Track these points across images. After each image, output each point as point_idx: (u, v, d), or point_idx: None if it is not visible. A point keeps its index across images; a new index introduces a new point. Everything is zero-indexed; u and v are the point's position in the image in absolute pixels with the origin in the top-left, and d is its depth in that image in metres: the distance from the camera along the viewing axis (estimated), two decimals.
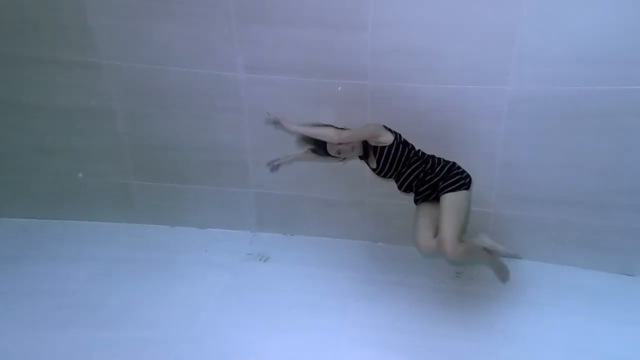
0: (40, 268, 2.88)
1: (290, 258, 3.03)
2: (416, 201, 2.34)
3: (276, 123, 2.26)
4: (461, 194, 2.17)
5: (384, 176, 2.31)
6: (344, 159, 2.39)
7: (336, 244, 3.13)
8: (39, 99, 2.89)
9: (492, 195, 2.69)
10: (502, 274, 2.46)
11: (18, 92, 2.89)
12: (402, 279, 2.78)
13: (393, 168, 2.25)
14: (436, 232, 2.18)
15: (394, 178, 2.32)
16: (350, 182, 2.93)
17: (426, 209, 2.28)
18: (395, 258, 2.97)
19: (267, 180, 3.04)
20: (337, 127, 2.26)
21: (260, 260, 3.02)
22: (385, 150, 2.21)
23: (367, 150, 2.28)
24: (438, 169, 2.23)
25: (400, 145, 2.22)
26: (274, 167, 2.47)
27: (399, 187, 2.34)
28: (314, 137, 2.23)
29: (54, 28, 2.64)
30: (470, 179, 2.22)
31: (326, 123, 2.30)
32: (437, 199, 2.23)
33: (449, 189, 2.16)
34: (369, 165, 2.38)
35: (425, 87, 2.46)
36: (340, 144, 2.20)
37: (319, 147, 2.29)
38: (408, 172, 2.25)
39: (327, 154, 2.30)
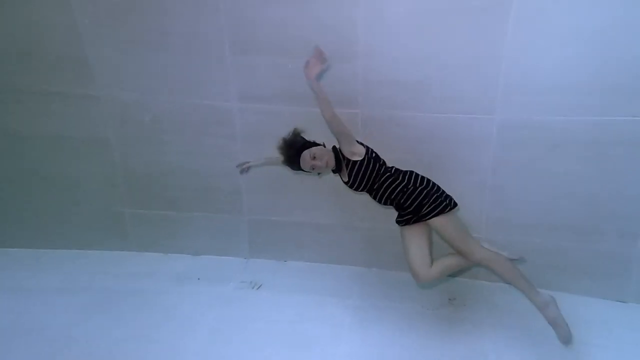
0: (31, 299, 2.84)
1: (284, 285, 3.01)
2: (398, 222, 2.33)
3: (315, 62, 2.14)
4: (447, 216, 2.18)
5: (355, 189, 2.33)
6: (319, 173, 2.38)
7: (330, 270, 3.12)
8: (33, 128, 2.91)
9: (483, 222, 2.72)
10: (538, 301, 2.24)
11: (13, 121, 2.92)
12: (396, 304, 2.77)
13: (364, 182, 2.27)
14: (431, 260, 2.22)
15: (367, 191, 2.34)
16: (343, 207, 2.95)
17: (413, 237, 2.27)
18: (389, 284, 2.96)
19: (260, 207, 3.06)
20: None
21: (253, 287, 3.00)
22: (357, 164, 2.23)
23: (340, 164, 2.31)
24: (420, 189, 2.22)
25: (372, 161, 2.24)
26: (244, 169, 2.49)
27: (376, 200, 2.35)
28: (321, 99, 2.16)
29: (50, 60, 2.69)
30: (451, 198, 2.23)
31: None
32: (419, 222, 2.24)
33: (433, 214, 2.17)
34: (342, 179, 2.39)
35: (415, 116, 2.51)
36: (317, 145, 2.26)
37: (292, 164, 2.28)
38: (380, 187, 2.26)
39: (300, 169, 2.28)
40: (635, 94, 2.20)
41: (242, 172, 2.51)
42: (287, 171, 2.84)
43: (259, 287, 3.00)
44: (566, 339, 2.22)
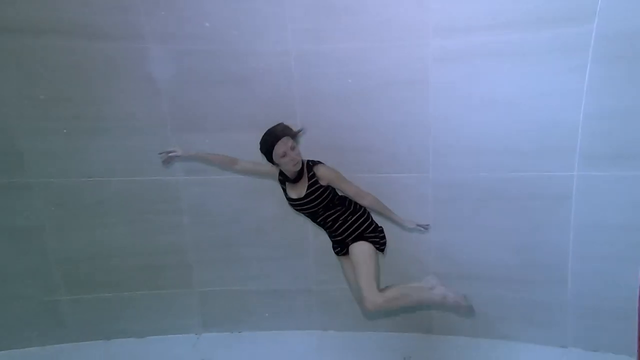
0: None
1: (238, 358, 2.90)
2: (335, 252, 2.39)
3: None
4: (364, 243, 2.24)
5: (298, 208, 2.29)
6: (281, 176, 2.30)
7: (285, 337, 3.06)
8: None
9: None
10: (461, 307, 2.38)
11: None
12: None
13: (313, 205, 2.23)
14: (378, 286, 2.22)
15: (306, 214, 2.32)
16: (297, 272, 2.95)
17: (349, 266, 2.33)
18: (347, 346, 2.96)
19: (211, 278, 2.98)
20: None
21: None
22: (322, 187, 2.22)
23: (302, 175, 2.22)
24: (358, 215, 2.28)
25: (334, 190, 2.28)
26: (167, 158, 2.31)
27: (313, 221, 2.35)
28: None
29: None
30: (384, 240, 2.33)
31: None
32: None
33: (352, 237, 2.25)
34: (285, 193, 2.31)
35: (358, 177, 2.62)
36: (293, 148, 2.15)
37: (266, 143, 2.15)
38: (325, 214, 2.27)
39: (269, 155, 2.17)
40: (543, 153, 2.44)
41: (164, 162, 2.34)
42: (237, 238, 2.86)
43: None
44: (468, 309, 2.39)
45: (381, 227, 2.37)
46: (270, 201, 2.75)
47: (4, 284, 2.86)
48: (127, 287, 2.96)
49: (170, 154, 2.30)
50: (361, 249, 2.24)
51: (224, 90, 2.52)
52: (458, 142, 2.50)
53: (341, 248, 2.35)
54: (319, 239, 2.71)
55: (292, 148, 2.15)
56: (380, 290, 2.21)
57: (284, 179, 2.29)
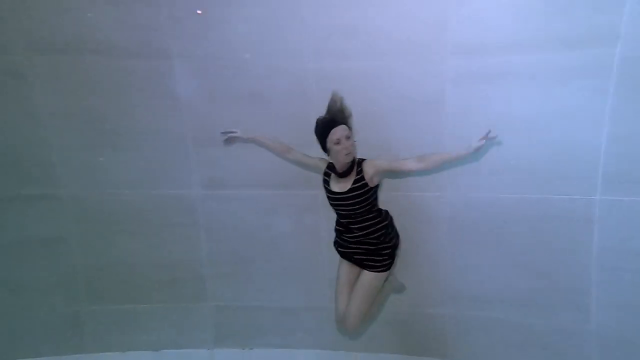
0: None
1: None
2: (340, 253, 2.37)
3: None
4: (381, 275, 2.26)
5: (337, 203, 2.22)
6: (325, 162, 2.28)
7: (298, 355, 3.03)
8: None
9: (445, 297, 2.75)
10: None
11: None
12: None
13: (354, 202, 2.18)
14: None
15: (342, 212, 2.25)
16: (309, 289, 2.93)
17: (347, 273, 2.33)
18: None
19: (225, 293, 2.99)
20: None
21: None
22: (367, 186, 2.17)
23: (350, 171, 2.19)
24: (387, 245, 2.27)
25: (376, 193, 2.25)
26: (228, 137, 2.36)
27: (344, 219, 2.29)
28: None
29: (19, 166, 2.70)
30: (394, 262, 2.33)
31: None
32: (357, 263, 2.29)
33: (372, 269, 2.24)
34: (327, 187, 2.26)
35: None
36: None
37: (327, 126, 2.12)
38: (361, 218, 2.22)
39: (323, 139, 2.14)
40: (564, 175, 2.38)
41: (225, 141, 2.37)
42: (251, 253, 2.87)
43: None
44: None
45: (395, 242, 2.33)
46: (286, 217, 2.77)
47: (28, 293, 2.93)
48: (144, 300, 3.00)
49: (230, 135, 2.35)
50: (374, 280, 2.25)
51: (244, 107, 2.57)
52: (476, 161, 2.45)
53: (354, 260, 2.31)
54: (332, 256, 2.69)
55: (348, 137, 2.12)
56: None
57: (330, 172, 2.25)
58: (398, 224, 2.59)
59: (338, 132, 2.10)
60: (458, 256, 2.64)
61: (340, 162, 2.17)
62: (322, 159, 2.30)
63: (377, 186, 2.23)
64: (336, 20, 2.34)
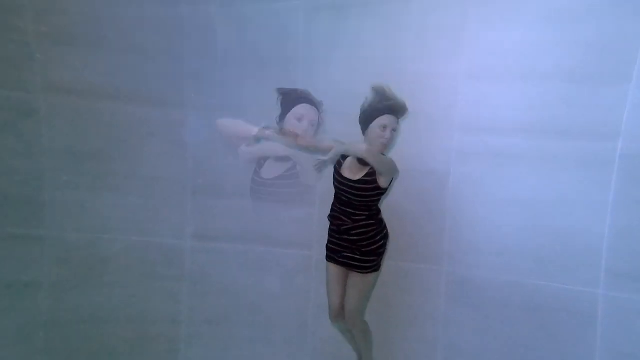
0: None
1: None
2: (327, 257, 2.30)
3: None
4: (370, 276, 2.23)
5: (343, 188, 2.16)
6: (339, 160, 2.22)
7: None
8: None
9: None
10: None
11: None
12: None
13: (360, 193, 2.12)
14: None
15: (345, 198, 2.17)
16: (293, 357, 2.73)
17: (336, 274, 2.29)
18: None
19: (199, 357, 2.75)
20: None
21: None
22: (377, 184, 2.12)
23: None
24: (378, 245, 2.20)
25: (381, 195, 2.18)
26: (320, 167, 2.24)
27: (338, 204, 2.22)
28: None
29: (7, 203, 2.58)
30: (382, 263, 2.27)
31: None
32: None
33: (360, 270, 2.20)
34: (337, 171, 2.20)
35: None
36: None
37: (376, 111, 2.07)
38: (360, 213, 2.17)
39: (366, 126, 2.10)
40: (566, 263, 2.30)
41: (318, 170, 2.27)
42: (234, 313, 2.70)
43: None
44: None
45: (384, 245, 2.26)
46: (277, 277, 2.67)
47: None
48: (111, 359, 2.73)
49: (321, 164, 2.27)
50: (365, 280, 2.24)
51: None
52: (476, 238, 2.42)
53: (342, 263, 2.24)
54: (320, 323, 2.55)
55: (394, 130, 2.09)
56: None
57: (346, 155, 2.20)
58: (395, 296, 2.51)
59: (391, 120, 2.07)
60: (450, 334, 2.50)
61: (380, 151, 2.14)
62: (337, 140, 2.21)
63: (385, 190, 2.18)
64: (346, 86, 2.42)
